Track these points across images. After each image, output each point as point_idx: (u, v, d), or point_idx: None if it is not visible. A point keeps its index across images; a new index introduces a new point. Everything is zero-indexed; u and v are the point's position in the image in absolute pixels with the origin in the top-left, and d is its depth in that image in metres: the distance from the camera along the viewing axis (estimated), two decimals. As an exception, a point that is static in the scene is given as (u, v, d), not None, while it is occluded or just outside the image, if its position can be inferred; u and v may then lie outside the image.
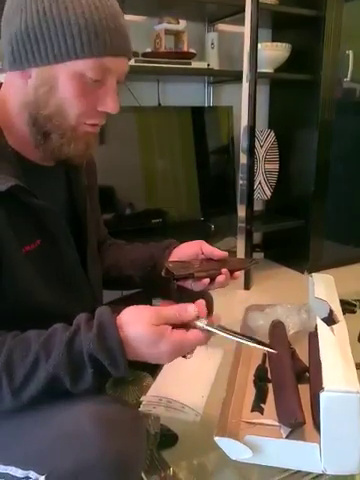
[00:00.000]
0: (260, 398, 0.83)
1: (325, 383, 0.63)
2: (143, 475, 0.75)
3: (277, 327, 0.99)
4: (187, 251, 0.89)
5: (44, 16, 0.65)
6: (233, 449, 0.68)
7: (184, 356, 0.66)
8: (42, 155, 0.76)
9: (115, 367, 0.61)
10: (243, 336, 0.65)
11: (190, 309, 0.65)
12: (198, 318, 0.64)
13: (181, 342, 0.63)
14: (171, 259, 0.90)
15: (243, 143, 2.18)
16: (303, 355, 0.93)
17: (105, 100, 0.71)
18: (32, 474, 0.61)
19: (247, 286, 2.28)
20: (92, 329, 0.62)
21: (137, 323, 0.62)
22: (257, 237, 2.72)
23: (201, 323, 0.64)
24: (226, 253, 0.87)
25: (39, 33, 0.66)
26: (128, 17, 2.03)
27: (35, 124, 0.71)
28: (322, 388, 0.62)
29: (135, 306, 0.66)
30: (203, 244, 0.88)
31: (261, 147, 2.48)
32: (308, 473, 0.71)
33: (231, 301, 2.07)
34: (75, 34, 0.65)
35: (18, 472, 0.62)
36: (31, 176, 0.72)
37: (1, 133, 0.72)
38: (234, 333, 0.65)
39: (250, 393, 0.85)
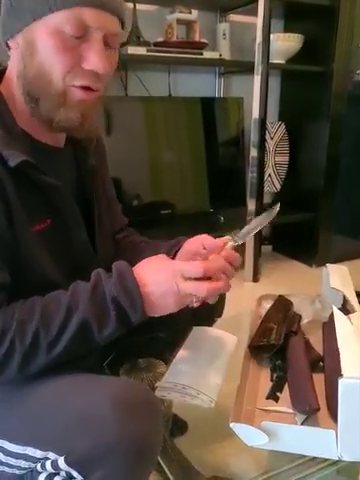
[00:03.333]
0: (277, 387, 0.83)
1: (343, 370, 0.63)
2: (159, 458, 0.75)
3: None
4: (190, 249, 0.86)
5: None
6: (249, 435, 0.68)
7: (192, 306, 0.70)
8: (45, 130, 0.74)
9: (133, 308, 0.65)
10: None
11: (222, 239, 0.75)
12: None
13: (180, 265, 0.69)
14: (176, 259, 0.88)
15: (253, 135, 2.17)
16: (317, 345, 0.93)
17: (88, 56, 0.67)
18: (51, 455, 0.62)
19: (255, 278, 2.28)
20: (112, 276, 0.66)
21: (148, 260, 0.71)
22: (266, 230, 2.71)
23: (229, 245, 0.75)
24: (226, 238, 0.80)
25: None
26: (140, 6, 2.02)
27: (26, 91, 0.70)
28: (341, 375, 0.62)
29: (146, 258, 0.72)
30: (205, 239, 0.84)
31: (271, 139, 2.47)
32: (323, 460, 0.71)
33: (239, 293, 2.07)
34: None
35: (37, 453, 0.63)
36: (40, 156, 0.71)
37: (10, 114, 0.71)
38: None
39: (265, 380, 0.85)
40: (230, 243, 0.76)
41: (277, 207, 0.85)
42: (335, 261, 2.37)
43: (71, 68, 0.67)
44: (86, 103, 0.71)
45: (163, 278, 0.67)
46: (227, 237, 0.77)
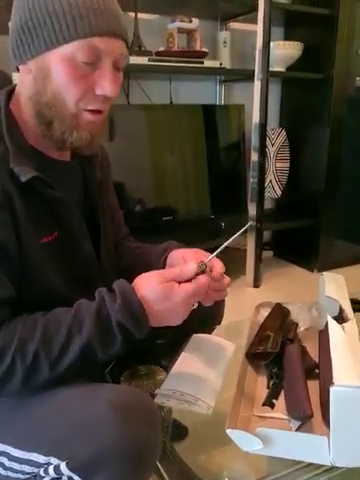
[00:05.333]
0: (273, 394, 0.85)
1: (335, 378, 0.65)
2: (158, 463, 0.77)
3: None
4: (173, 265, 0.88)
5: (34, 9, 0.68)
6: (244, 441, 0.70)
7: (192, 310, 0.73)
8: (52, 147, 0.77)
9: (139, 330, 0.68)
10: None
11: (190, 265, 0.72)
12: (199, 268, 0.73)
13: (189, 290, 0.70)
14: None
15: (254, 141, 2.19)
16: (313, 352, 0.95)
17: (100, 82, 0.71)
18: (53, 460, 0.64)
19: (257, 284, 2.30)
20: (116, 299, 0.68)
21: (148, 284, 0.70)
22: (267, 235, 2.74)
23: (201, 267, 0.73)
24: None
25: (31, 25, 0.69)
26: (141, 16, 2.06)
27: (38, 114, 0.73)
28: (332, 383, 0.64)
29: (142, 274, 0.73)
30: (188, 257, 0.84)
31: (272, 145, 2.50)
32: (319, 466, 0.73)
33: (240, 299, 2.09)
34: (61, 19, 0.67)
35: (40, 458, 0.66)
36: (49, 171, 0.74)
37: (21, 132, 0.75)
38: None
39: (261, 387, 0.87)
40: (201, 266, 0.74)
41: (247, 225, 0.90)
42: (336, 266, 2.42)
43: (84, 94, 0.71)
44: (95, 123, 0.75)
45: (171, 303, 0.69)
46: (193, 265, 0.74)
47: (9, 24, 0.74)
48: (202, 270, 0.73)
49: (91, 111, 0.73)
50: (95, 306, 0.68)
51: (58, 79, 0.70)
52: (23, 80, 0.75)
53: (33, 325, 0.66)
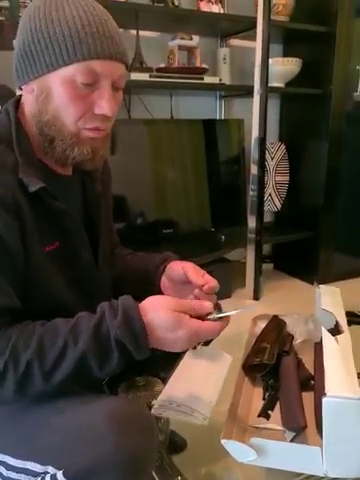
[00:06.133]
0: (269, 406, 0.86)
1: (327, 389, 0.66)
2: (154, 474, 0.78)
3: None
4: (173, 275, 0.90)
5: (36, 32, 0.72)
6: (239, 451, 0.71)
7: (194, 347, 0.73)
8: (57, 164, 0.80)
9: (138, 351, 0.67)
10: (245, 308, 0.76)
11: (206, 304, 0.73)
12: (212, 313, 0.72)
13: (197, 330, 0.69)
14: (163, 280, 0.92)
15: (254, 155, 2.22)
16: (309, 364, 0.96)
17: (99, 102, 0.74)
18: (50, 469, 0.66)
19: (256, 296, 2.31)
20: (117, 315, 0.67)
21: (159, 308, 0.69)
22: (267, 248, 2.75)
23: (213, 316, 0.72)
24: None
25: (33, 48, 0.72)
26: (143, 33, 2.10)
27: (41, 132, 0.77)
28: (324, 394, 0.66)
29: (156, 296, 0.72)
30: (187, 269, 0.85)
31: (272, 159, 2.53)
32: (319, 478, 0.74)
33: (240, 311, 2.09)
34: (61, 42, 0.71)
35: (37, 467, 0.67)
36: (53, 183, 0.77)
37: (29, 143, 0.78)
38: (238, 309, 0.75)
39: (257, 399, 0.88)
40: (212, 315, 0.74)
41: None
42: (336, 279, 2.42)
43: (83, 114, 0.74)
44: (96, 140, 0.78)
45: (175, 335, 0.68)
46: (209, 305, 0.74)
47: (14, 43, 0.77)
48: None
49: (90, 129, 0.76)
50: (95, 320, 0.67)
51: (58, 99, 0.73)
52: (26, 98, 0.78)
53: (30, 334, 0.67)
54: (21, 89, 0.78)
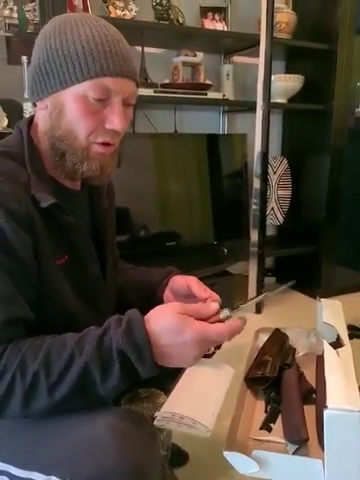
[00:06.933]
0: (271, 418, 0.86)
1: (328, 401, 0.67)
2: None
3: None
4: (176, 288, 0.91)
5: (51, 51, 0.75)
6: (241, 463, 0.71)
7: (207, 355, 0.72)
8: (65, 177, 0.83)
9: (141, 362, 0.66)
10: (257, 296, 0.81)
11: (212, 304, 0.74)
12: (218, 312, 0.73)
13: (205, 329, 0.69)
14: (166, 293, 0.93)
15: (256, 169, 2.25)
16: (311, 378, 0.96)
17: (110, 118, 0.77)
18: (54, 479, 0.66)
19: (259, 310, 2.31)
20: (121, 326, 0.67)
21: (163, 313, 0.69)
22: (269, 261, 2.76)
23: (223, 313, 0.73)
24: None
25: (48, 66, 0.75)
26: (148, 50, 2.14)
27: (53, 147, 0.79)
28: (325, 406, 0.66)
29: (160, 305, 0.72)
30: (191, 283, 0.87)
31: (274, 173, 2.55)
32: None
33: (243, 324, 2.10)
34: (74, 61, 0.74)
35: (41, 477, 0.67)
36: (63, 198, 0.80)
37: (40, 160, 0.81)
38: (251, 299, 0.78)
39: (259, 411, 0.88)
40: (224, 313, 0.76)
41: (290, 283, 0.92)
42: (338, 293, 2.43)
43: (95, 129, 0.77)
44: (105, 155, 0.80)
45: (183, 341, 0.67)
46: (216, 305, 0.76)
47: (24, 58, 0.80)
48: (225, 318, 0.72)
49: (100, 144, 0.78)
50: (100, 332, 0.68)
51: (71, 115, 0.76)
52: (40, 115, 0.81)
53: (39, 346, 0.67)
54: (35, 105, 0.81)
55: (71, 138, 0.77)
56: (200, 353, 0.70)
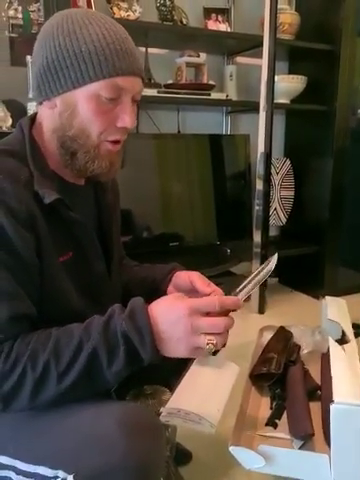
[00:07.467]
0: (276, 415, 0.86)
1: (335, 396, 0.67)
2: (162, 480, 0.78)
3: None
4: (179, 283, 0.92)
5: (60, 50, 0.74)
6: (247, 458, 0.72)
7: (214, 353, 0.73)
8: (73, 174, 0.83)
9: (143, 345, 0.67)
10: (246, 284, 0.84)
11: (214, 298, 0.75)
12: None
13: (194, 301, 0.71)
14: (169, 288, 0.93)
15: (259, 170, 2.25)
16: (315, 374, 0.96)
17: (122, 116, 0.78)
18: (61, 473, 0.66)
19: (261, 310, 2.31)
20: (125, 312, 0.69)
21: (164, 298, 0.73)
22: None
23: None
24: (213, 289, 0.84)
25: (57, 65, 0.75)
26: (151, 50, 2.15)
27: (63, 146, 0.79)
28: (332, 401, 0.66)
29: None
30: (193, 277, 0.88)
31: (277, 174, 2.55)
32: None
33: (245, 324, 2.09)
34: (87, 60, 0.74)
35: (47, 471, 0.67)
36: (67, 194, 0.80)
37: (43, 158, 0.81)
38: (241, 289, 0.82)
39: (264, 408, 0.88)
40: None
41: (274, 258, 0.89)
42: (341, 294, 2.37)
43: (107, 127, 0.78)
44: (114, 152, 0.81)
45: (176, 316, 0.69)
46: (216, 297, 0.77)
47: (28, 58, 0.80)
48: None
49: (111, 141, 0.79)
50: (105, 318, 0.70)
51: (84, 114, 0.76)
52: (46, 114, 0.80)
53: (47, 337, 0.69)
54: (41, 104, 0.81)
55: (84, 137, 0.77)
56: (194, 329, 0.69)
